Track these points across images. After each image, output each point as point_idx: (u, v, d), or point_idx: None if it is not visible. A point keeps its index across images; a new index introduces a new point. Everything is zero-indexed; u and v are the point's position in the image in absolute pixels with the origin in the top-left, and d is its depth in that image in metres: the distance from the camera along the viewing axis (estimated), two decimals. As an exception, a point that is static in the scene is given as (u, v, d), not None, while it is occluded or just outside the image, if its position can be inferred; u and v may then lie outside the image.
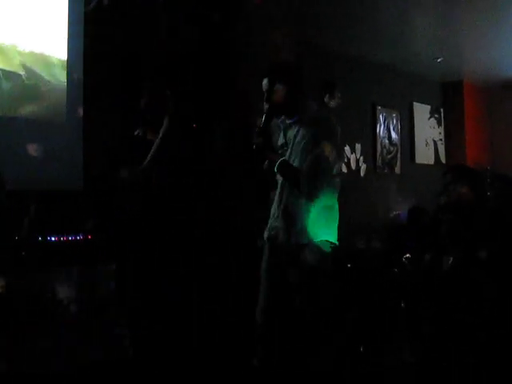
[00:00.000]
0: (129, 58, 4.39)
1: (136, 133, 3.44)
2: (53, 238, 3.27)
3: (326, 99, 4.79)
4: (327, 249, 2.83)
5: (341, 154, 6.54)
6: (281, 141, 2.94)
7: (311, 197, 2.75)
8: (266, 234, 2.99)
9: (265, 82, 2.90)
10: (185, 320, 3.59)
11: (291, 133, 2.88)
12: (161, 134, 3.44)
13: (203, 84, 4.68)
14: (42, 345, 3.27)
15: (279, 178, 2.92)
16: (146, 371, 3.22)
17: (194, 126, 3.44)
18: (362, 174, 7.47)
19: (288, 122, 2.93)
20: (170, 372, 3.27)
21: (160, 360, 3.30)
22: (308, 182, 2.69)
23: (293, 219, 2.79)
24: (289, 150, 2.85)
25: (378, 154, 7.81)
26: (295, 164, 2.79)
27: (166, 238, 3.28)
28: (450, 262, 3.62)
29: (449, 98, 9.20)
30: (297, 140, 2.82)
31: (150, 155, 3.45)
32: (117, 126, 3.86)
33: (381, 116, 7.91)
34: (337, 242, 2.88)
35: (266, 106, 2.91)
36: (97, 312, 3.39)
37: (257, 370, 2.91)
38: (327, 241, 2.83)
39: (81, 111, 4.39)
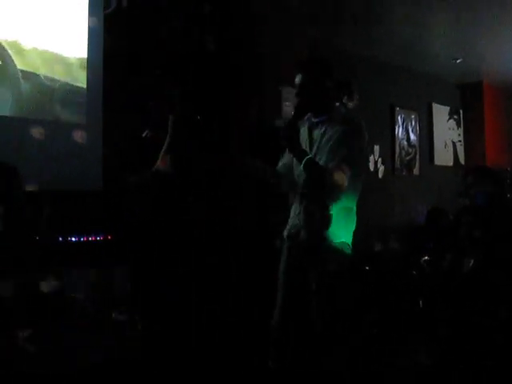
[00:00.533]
0: (145, 58, 4.42)
1: (144, 134, 3.44)
2: (73, 239, 3.30)
3: (344, 100, 4.78)
4: (347, 250, 2.81)
5: (367, 156, 6.54)
6: (304, 140, 2.89)
7: (334, 197, 2.73)
8: (285, 233, 2.97)
9: (298, 77, 2.86)
10: (197, 321, 3.60)
11: (317, 132, 2.84)
12: (168, 136, 3.43)
13: (211, 83, 4.69)
14: (57, 344, 3.29)
15: (299, 177, 2.89)
16: (158, 372, 3.23)
17: (197, 117, 3.42)
18: (380, 175, 7.44)
19: (315, 120, 2.90)
20: (182, 373, 3.28)
21: (173, 361, 3.31)
22: (333, 182, 2.66)
23: (314, 218, 2.77)
24: (314, 149, 2.82)
25: (396, 155, 7.77)
26: (321, 163, 2.75)
27: (179, 238, 3.29)
28: (471, 264, 3.60)
29: (468, 99, 9.13)
30: (324, 139, 2.79)
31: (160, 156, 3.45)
32: (136, 126, 3.89)
33: (399, 117, 7.87)
34: (350, 246, 2.86)
35: (295, 101, 2.88)
36: (112, 311, 3.41)
37: (272, 372, 2.90)
38: (346, 243, 2.82)
39: (100, 111, 4.43)
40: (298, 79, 2.87)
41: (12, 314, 3.06)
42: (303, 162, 2.69)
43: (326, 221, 2.73)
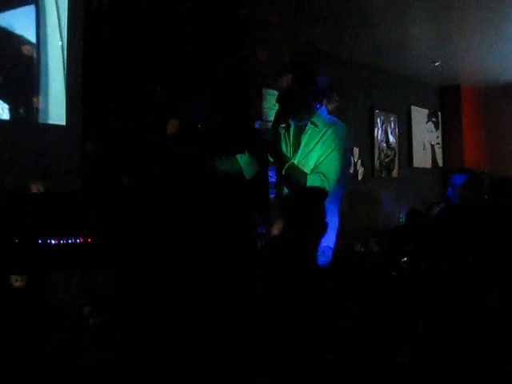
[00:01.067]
0: (128, 59, 4.40)
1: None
2: (53, 241, 3.27)
3: (323, 102, 4.81)
4: (329, 255, 2.83)
5: (349, 160, 6.56)
6: (288, 143, 2.89)
7: (317, 200, 2.74)
8: (267, 236, 2.99)
9: (281, 80, 2.86)
10: (185, 322, 3.59)
11: (302, 136, 2.85)
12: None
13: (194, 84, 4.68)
14: (42, 347, 3.27)
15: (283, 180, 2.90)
16: (144, 374, 3.23)
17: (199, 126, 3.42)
18: (359, 177, 7.49)
19: (298, 124, 2.91)
20: (168, 374, 3.28)
21: (158, 362, 3.31)
22: (316, 185, 2.68)
23: (296, 222, 2.78)
24: (298, 154, 2.83)
25: (375, 157, 7.82)
26: (304, 168, 2.76)
27: (166, 239, 3.29)
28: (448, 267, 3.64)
29: (446, 102, 9.23)
30: (309, 144, 2.80)
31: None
32: (116, 127, 3.87)
33: (378, 119, 7.93)
34: (333, 248, 2.87)
35: (277, 106, 2.87)
36: (96, 314, 3.39)
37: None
38: (329, 246, 2.83)
39: (80, 112, 4.39)
40: (280, 84, 2.87)
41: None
42: (285, 166, 2.72)
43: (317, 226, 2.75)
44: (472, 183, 3.93)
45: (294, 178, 2.77)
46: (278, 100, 2.87)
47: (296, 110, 2.86)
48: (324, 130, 2.79)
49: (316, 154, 2.77)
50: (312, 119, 2.86)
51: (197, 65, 4.73)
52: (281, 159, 2.76)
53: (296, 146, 2.88)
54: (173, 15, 4.74)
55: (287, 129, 2.95)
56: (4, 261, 3.16)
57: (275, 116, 2.83)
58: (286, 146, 2.90)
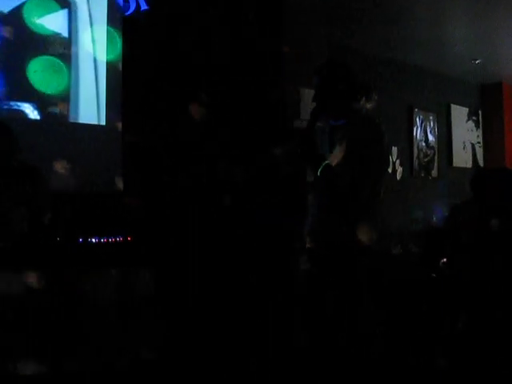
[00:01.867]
0: (168, 61, 4.45)
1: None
2: (93, 240, 3.32)
3: (362, 102, 4.76)
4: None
5: (387, 160, 6.50)
6: (324, 143, 2.86)
7: (353, 202, 2.71)
8: (306, 238, 2.95)
9: (315, 79, 2.83)
10: (220, 323, 3.61)
11: (337, 136, 2.80)
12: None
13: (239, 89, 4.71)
14: (80, 345, 3.32)
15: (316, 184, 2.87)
16: (182, 373, 3.24)
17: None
18: (398, 177, 7.41)
19: (334, 124, 2.86)
20: (205, 374, 3.29)
21: (196, 362, 3.32)
22: (352, 185, 2.64)
23: (336, 223, 2.75)
24: (334, 154, 2.78)
25: (414, 157, 7.73)
26: (339, 168, 2.70)
27: (203, 239, 3.31)
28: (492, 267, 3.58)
29: (487, 100, 9.05)
30: (343, 145, 2.73)
31: None
32: (156, 128, 3.91)
33: (417, 118, 7.83)
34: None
35: (312, 106, 2.83)
36: (136, 314, 3.43)
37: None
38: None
39: (120, 113, 4.46)
40: (315, 82, 2.85)
41: (35, 313, 3.09)
42: (319, 169, 2.68)
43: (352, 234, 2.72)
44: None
45: (328, 179, 2.72)
46: (314, 98, 2.84)
47: (331, 108, 2.82)
48: (358, 132, 2.72)
49: (350, 155, 2.70)
50: (348, 118, 2.82)
51: (232, 65, 4.76)
52: (315, 160, 2.72)
53: (331, 146, 2.84)
54: (209, 16, 4.77)
55: (323, 129, 2.92)
56: (45, 259, 3.21)
57: (310, 114, 2.80)
58: (323, 147, 2.86)
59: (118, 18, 4.54)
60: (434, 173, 8.07)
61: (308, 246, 2.91)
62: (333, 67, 2.89)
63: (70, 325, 3.28)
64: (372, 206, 2.80)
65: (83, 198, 3.88)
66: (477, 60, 7.47)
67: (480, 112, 9.02)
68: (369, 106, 4.81)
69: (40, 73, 4.07)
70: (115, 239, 3.37)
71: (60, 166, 3.98)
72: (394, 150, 7.32)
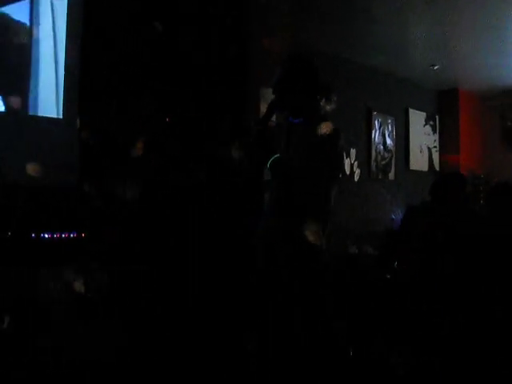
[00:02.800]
0: (127, 58, 4.39)
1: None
2: (46, 235, 3.25)
3: (322, 103, 4.78)
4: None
5: (342, 161, 6.53)
6: (282, 140, 2.83)
7: (307, 198, 2.70)
8: (260, 234, 2.92)
9: (278, 71, 2.81)
10: (180, 319, 3.58)
11: (295, 134, 2.79)
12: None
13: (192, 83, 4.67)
14: (33, 345, 3.25)
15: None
16: (140, 373, 3.20)
17: (167, 119, 3.37)
18: (356, 179, 7.48)
19: (293, 121, 2.85)
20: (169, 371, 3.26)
21: (155, 360, 3.29)
22: (307, 183, 2.64)
23: (289, 223, 2.73)
24: (290, 152, 2.77)
25: (372, 159, 7.82)
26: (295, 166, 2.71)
27: (159, 236, 3.28)
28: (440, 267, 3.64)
29: (444, 106, 9.23)
30: (300, 143, 2.74)
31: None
32: (112, 123, 3.86)
33: (376, 121, 7.92)
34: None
35: (272, 97, 2.81)
36: (87, 311, 3.37)
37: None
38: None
39: (76, 107, 4.38)
40: (276, 76, 2.82)
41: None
42: (269, 162, 2.67)
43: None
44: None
45: (278, 173, 2.72)
46: (274, 91, 2.81)
47: (290, 103, 2.80)
48: (316, 132, 2.71)
49: (305, 156, 2.70)
50: (307, 117, 2.80)
51: (195, 62, 4.73)
52: (266, 151, 2.70)
53: (288, 144, 2.82)
54: (173, 13, 4.73)
55: (281, 126, 2.90)
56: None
57: (268, 107, 2.77)
58: (280, 144, 2.84)
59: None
60: (391, 175, 8.18)
61: (261, 244, 2.89)
62: (298, 61, 2.86)
63: (21, 323, 3.21)
64: (322, 206, 2.79)
65: (37, 192, 3.80)
66: (435, 66, 7.59)
67: (437, 117, 9.19)
68: (328, 107, 4.84)
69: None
70: (69, 235, 3.31)
71: (15, 159, 3.89)
72: (353, 152, 7.39)
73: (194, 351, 3.57)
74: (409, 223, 4.37)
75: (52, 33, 4.37)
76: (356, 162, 7.47)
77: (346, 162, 7.26)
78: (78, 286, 3.41)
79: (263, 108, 4.89)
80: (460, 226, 3.79)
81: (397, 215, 7.70)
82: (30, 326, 3.24)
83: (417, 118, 8.77)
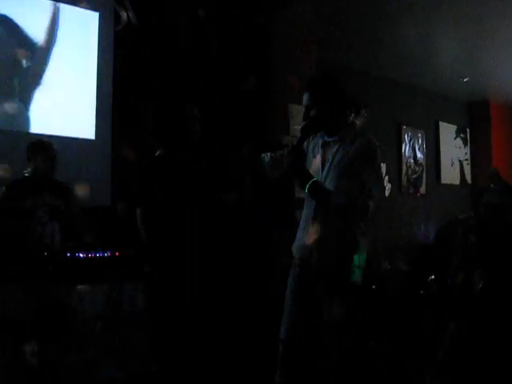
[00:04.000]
0: (158, 75, 4.45)
1: (157, 153, 3.41)
2: (81, 255, 3.29)
3: (351, 118, 4.77)
4: (358, 274, 2.77)
5: (381, 175, 6.50)
6: (317, 158, 2.84)
7: (343, 218, 2.69)
8: (294, 251, 2.92)
9: (305, 96, 2.79)
10: (211, 337, 3.59)
11: (329, 151, 2.77)
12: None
13: (231, 103, 4.72)
14: (68, 359, 3.28)
15: (308, 199, 2.85)
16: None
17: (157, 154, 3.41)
18: (386, 193, 7.43)
19: (327, 139, 2.85)
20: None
21: (185, 375, 3.29)
22: (344, 201, 2.63)
23: (327, 239, 2.73)
24: (326, 170, 2.75)
25: (403, 173, 7.77)
26: (331, 184, 2.69)
27: (192, 254, 3.29)
28: (481, 284, 3.57)
29: (475, 118, 9.14)
30: (335, 160, 2.72)
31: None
32: (145, 143, 3.91)
33: (406, 136, 7.88)
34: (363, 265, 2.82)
35: (303, 123, 2.81)
36: (123, 328, 3.40)
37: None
38: (358, 266, 2.78)
39: (110, 127, 4.45)
40: (305, 99, 2.82)
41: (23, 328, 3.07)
42: (306, 186, 2.67)
43: (349, 245, 2.71)
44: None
45: (316, 196, 2.72)
46: (304, 115, 2.82)
47: (323, 124, 2.81)
48: (351, 147, 2.69)
49: (340, 172, 2.68)
50: (340, 134, 2.80)
51: (222, 81, 4.78)
52: (303, 177, 2.71)
53: (323, 162, 2.81)
54: (199, 34, 4.80)
55: (315, 145, 2.90)
56: (34, 273, 3.19)
57: (301, 131, 2.78)
58: (314, 163, 2.84)
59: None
60: (423, 189, 8.11)
61: (297, 259, 2.88)
62: (323, 82, 2.86)
63: (57, 338, 3.25)
64: (361, 224, 2.79)
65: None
66: (464, 78, 7.54)
67: (468, 129, 9.10)
68: (358, 122, 4.83)
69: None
70: (103, 254, 3.36)
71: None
72: (383, 166, 7.36)
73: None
74: (445, 238, 4.32)
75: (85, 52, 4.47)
76: (387, 177, 7.43)
77: (377, 176, 7.22)
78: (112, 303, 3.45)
79: (292, 124, 4.93)
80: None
81: (429, 230, 7.63)
82: (63, 343, 3.28)
83: (447, 130, 8.70)
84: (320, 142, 2.85)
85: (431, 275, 5.64)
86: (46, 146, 3.60)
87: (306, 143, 2.88)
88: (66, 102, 4.28)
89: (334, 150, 2.75)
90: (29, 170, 3.62)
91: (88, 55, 4.45)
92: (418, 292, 5.51)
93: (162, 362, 3.19)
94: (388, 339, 4.59)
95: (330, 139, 2.80)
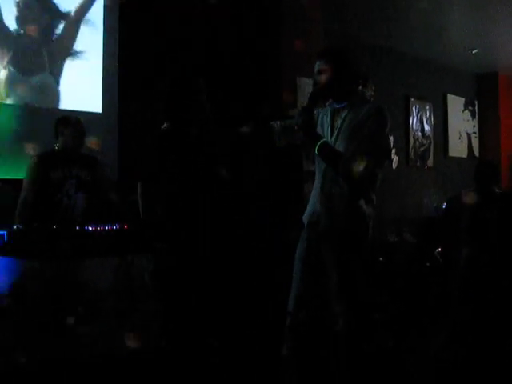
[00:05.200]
0: (165, 53, 4.44)
1: (162, 127, 3.41)
2: (90, 228, 3.32)
3: (359, 89, 4.75)
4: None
5: (389, 146, 6.48)
6: (326, 125, 2.88)
7: (352, 183, 2.72)
8: (305, 219, 2.94)
9: (317, 63, 2.83)
10: (216, 309, 3.62)
11: (339, 118, 2.81)
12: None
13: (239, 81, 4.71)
14: (77, 332, 3.32)
15: (319, 163, 2.87)
16: (180, 363, 3.24)
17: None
18: (394, 166, 7.42)
19: (337, 106, 2.86)
20: (198, 362, 3.30)
21: (193, 351, 3.33)
22: (351, 167, 2.65)
23: (335, 205, 2.76)
24: (334, 136, 2.78)
25: (410, 146, 7.74)
26: (341, 147, 2.72)
27: (201, 228, 3.30)
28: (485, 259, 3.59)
29: (483, 90, 9.06)
30: (345, 124, 2.76)
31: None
32: (153, 119, 3.90)
33: (414, 108, 7.83)
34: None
35: (313, 87, 2.86)
36: (131, 302, 3.43)
37: (285, 359, 2.90)
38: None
39: (116, 101, 4.46)
40: (316, 66, 2.86)
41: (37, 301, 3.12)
42: (316, 146, 2.71)
43: (356, 211, 2.74)
44: None
45: (327, 157, 2.75)
46: (314, 81, 2.85)
47: (332, 91, 2.84)
48: (360, 111, 2.74)
49: (351, 136, 2.72)
50: (350, 101, 2.83)
51: (230, 54, 4.75)
52: (313, 137, 2.75)
53: (332, 128, 2.85)
54: (207, 6, 4.76)
55: (324, 114, 2.93)
56: (43, 246, 3.21)
57: (310, 95, 2.81)
58: (323, 130, 2.88)
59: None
60: (430, 162, 8.08)
61: (306, 225, 2.91)
62: (334, 52, 2.89)
63: (65, 312, 3.29)
64: (369, 191, 2.81)
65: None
66: (473, 50, 7.46)
67: (476, 102, 9.03)
68: (367, 94, 4.81)
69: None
70: (112, 227, 3.38)
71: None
72: (391, 139, 7.32)
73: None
74: (451, 211, 4.32)
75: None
76: (394, 149, 7.40)
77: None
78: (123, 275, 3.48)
79: (300, 97, 4.91)
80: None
81: (436, 202, 7.63)
82: (76, 315, 3.31)
83: (455, 103, 8.64)
84: (329, 110, 2.88)
85: (438, 248, 5.65)
86: (73, 120, 3.74)
87: (316, 113, 2.91)
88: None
89: (343, 115, 2.80)
90: (58, 144, 3.75)
91: (95, 29, 4.44)
92: (425, 264, 5.53)
93: (171, 337, 3.23)
94: (394, 312, 4.63)
95: (339, 106, 2.83)
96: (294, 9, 5.08)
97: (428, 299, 4.74)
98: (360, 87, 4.58)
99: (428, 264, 5.61)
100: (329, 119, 2.86)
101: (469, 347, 3.62)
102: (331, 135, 2.81)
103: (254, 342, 3.71)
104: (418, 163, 7.89)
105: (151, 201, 3.24)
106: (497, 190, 4.52)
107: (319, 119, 2.93)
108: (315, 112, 2.89)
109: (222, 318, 3.65)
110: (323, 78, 2.81)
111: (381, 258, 5.57)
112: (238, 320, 3.85)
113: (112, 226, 3.34)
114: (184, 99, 3.23)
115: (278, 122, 3.05)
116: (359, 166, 2.65)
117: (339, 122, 2.80)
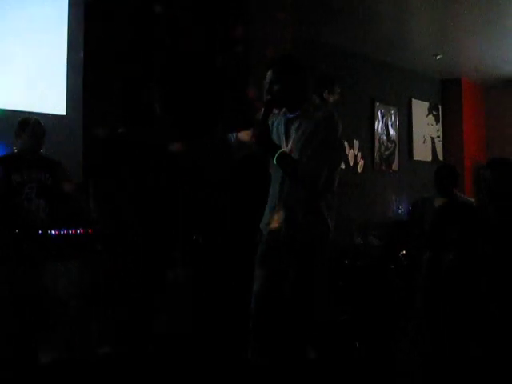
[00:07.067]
0: (130, 53, 4.40)
1: (120, 131, 3.40)
2: (53, 232, 3.28)
3: (324, 95, 4.79)
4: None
5: (343, 150, 6.54)
6: (281, 135, 2.91)
7: (311, 189, 2.75)
8: (264, 227, 2.96)
9: (268, 73, 2.87)
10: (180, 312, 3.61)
11: (292, 127, 2.85)
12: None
13: (199, 83, 4.69)
14: (41, 337, 3.28)
15: (275, 171, 2.90)
16: (141, 366, 3.23)
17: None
18: (359, 170, 7.49)
19: (290, 116, 2.90)
20: (166, 364, 3.29)
21: (156, 352, 3.32)
22: (309, 173, 2.69)
23: (294, 213, 2.79)
24: (289, 145, 2.83)
25: (375, 150, 7.82)
26: (296, 156, 2.75)
27: (163, 231, 3.30)
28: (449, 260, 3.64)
29: (447, 95, 9.21)
30: (298, 134, 2.80)
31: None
32: (118, 119, 3.87)
33: (379, 112, 7.91)
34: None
35: (266, 98, 2.88)
36: (92, 305, 3.40)
37: (250, 363, 2.90)
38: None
39: (81, 103, 4.40)
40: (268, 76, 2.88)
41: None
42: (275, 156, 2.73)
43: (316, 217, 2.76)
44: None
45: (285, 166, 2.78)
46: (267, 90, 2.88)
47: (284, 101, 2.86)
48: (312, 120, 2.79)
49: (303, 144, 2.76)
50: (302, 110, 2.86)
51: (196, 59, 4.74)
52: (270, 148, 2.77)
53: (287, 137, 2.88)
54: (174, 8, 4.74)
55: (278, 123, 2.96)
56: (5, 251, 3.17)
57: (264, 107, 2.84)
58: (279, 139, 2.91)
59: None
60: (395, 166, 8.18)
61: (265, 234, 2.93)
62: (283, 61, 2.93)
63: (31, 317, 3.25)
64: (327, 195, 2.84)
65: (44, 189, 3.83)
66: (437, 55, 7.57)
67: (440, 106, 9.17)
68: (332, 98, 4.84)
69: None
70: (75, 231, 3.34)
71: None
72: (356, 143, 7.40)
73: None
74: (417, 214, 4.38)
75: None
76: (359, 153, 7.47)
77: (350, 153, 7.26)
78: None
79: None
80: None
81: (401, 205, 7.72)
82: (36, 321, 3.27)
83: (420, 107, 8.76)
84: (283, 120, 2.91)
85: (403, 250, 5.72)
86: (32, 122, 3.67)
87: (270, 123, 2.94)
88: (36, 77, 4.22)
89: (296, 125, 2.83)
90: (16, 147, 3.70)
91: (59, 28, 4.38)
92: (389, 267, 5.59)
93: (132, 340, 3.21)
94: (360, 313, 4.67)
95: (291, 115, 2.87)
96: (262, 13, 5.10)
97: (392, 300, 4.80)
98: (325, 92, 4.64)
99: (392, 266, 5.67)
100: (283, 128, 2.90)
101: (433, 347, 3.66)
102: (286, 144, 2.85)
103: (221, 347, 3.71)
104: (384, 167, 7.97)
105: (101, 200, 3.24)
106: (458, 194, 4.60)
107: (274, 128, 2.96)
108: (269, 122, 2.92)
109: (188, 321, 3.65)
110: (275, 87, 2.84)
111: (346, 261, 5.62)
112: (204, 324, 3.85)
113: (76, 229, 3.31)
114: (137, 105, 3.24)
115: (235, 135, 3.08)
116: (315, 171, 2.70)
117: (293, 130, 2.85)
